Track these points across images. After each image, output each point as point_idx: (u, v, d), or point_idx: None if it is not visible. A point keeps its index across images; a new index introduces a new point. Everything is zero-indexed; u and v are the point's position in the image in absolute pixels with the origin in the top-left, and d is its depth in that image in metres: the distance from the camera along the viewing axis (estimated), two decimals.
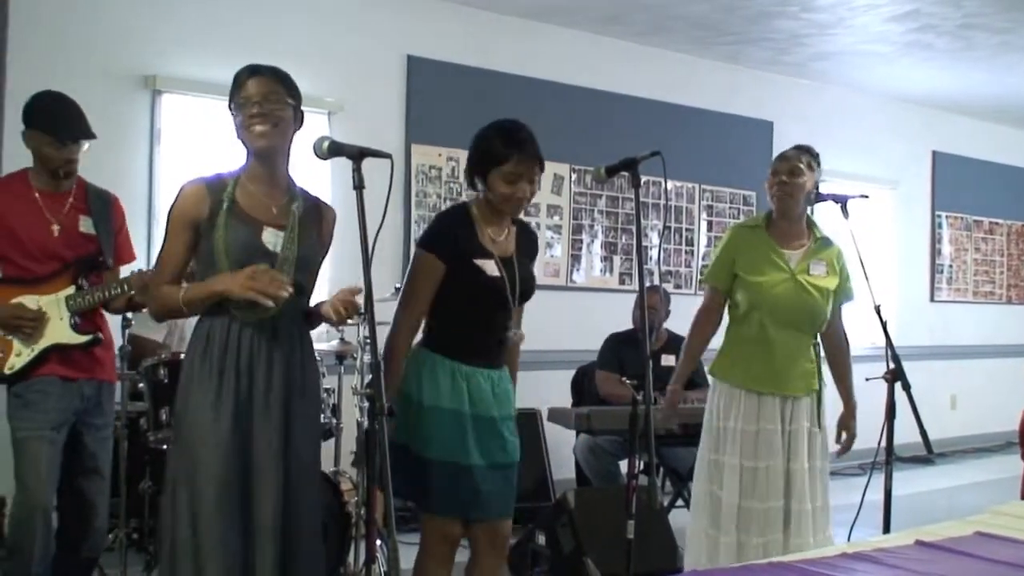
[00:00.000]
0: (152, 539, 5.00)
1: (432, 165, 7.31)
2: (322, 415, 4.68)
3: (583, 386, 6.88)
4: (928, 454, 4.61)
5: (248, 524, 3.11)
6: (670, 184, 8.67)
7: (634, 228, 6.19)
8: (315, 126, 6.34)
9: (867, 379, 4.30)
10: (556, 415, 6.37)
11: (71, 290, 4.03)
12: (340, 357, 5.45)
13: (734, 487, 4.33)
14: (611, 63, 8.29)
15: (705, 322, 4.62)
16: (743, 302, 4.46)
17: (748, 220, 4.90)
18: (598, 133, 7.96)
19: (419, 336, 3.73)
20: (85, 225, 4.10)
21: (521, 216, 3.87)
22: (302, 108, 3.33)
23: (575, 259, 8.11)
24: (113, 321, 4.47)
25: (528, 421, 6.41)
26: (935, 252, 11.00)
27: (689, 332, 4.69)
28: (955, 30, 7.89)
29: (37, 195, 4.03)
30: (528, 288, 3.73)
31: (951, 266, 11.16)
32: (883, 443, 4.16)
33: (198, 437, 3.12)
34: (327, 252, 3.47)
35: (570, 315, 7.81)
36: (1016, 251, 11.83)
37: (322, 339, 5.54)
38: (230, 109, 3.21)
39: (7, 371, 3.94)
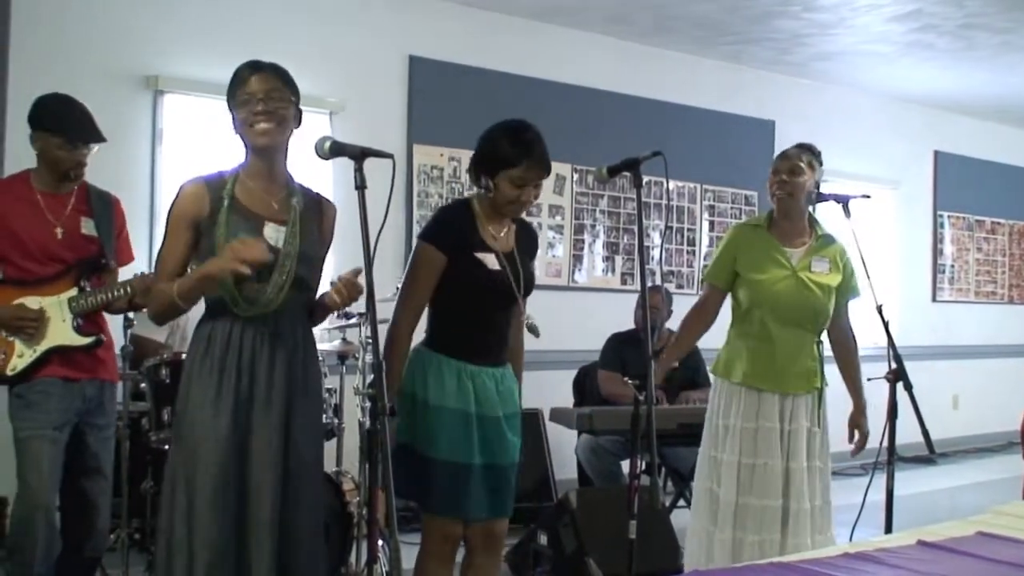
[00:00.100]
0: (154, 539, 5.00)
1: (434, 165, 7.31)
2: (324, 415, 4.69)
3: (585, 386, 6.88)
4: (930, 454, 4.59)
5: (246, 520, 3.11)
6: (672, 184, 8.67)
7: (636, 228, 6.19)
8: (317, 126, 6.36)
9: (869, 379, 4.30)
10: (558, 415, 6.38)
11: (73, 292, 4.03)
12: (342, 357, 5.45)
13: (732, 484, 4.33)
14: (613, 63, 8.29)
15: (697, 319, 4.62)
16: (744, 300, 4.46)
17: (750, 219, 4.90)
18: (600, 133, 7.96)
19: (418, 337, 3.73)
20: (87, 227, 4.10)
21: (522, 215, 3.87)
22: (304, 107, 3.33)
23: (577, 259, 8.11)
24: (114, 321, 4.47)
25: (530, 421, 6.40)
26: (937, 252, 11.00)
27: (680, 324, 4.71)
28: (956, 30, 7.88)
29: (39, 197, 4.03)
30: (528, 284, 3.74)
31: (953, 266, 11.15)
32: (885, 443, 4.15)
33: (198, 435, 3.12)
34: (329, 247, 3.47)
35: (572, 315, 7.81)
36: (1018, 251, 11.83)
37: (324, 339, 5.54)
38: (229, 105, 3.21)
39: (9, 372, 3.94)
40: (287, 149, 3.30)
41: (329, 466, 4.98)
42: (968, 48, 8.39)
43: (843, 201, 4.37)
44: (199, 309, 3.29)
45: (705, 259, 8.76)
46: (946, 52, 8.53)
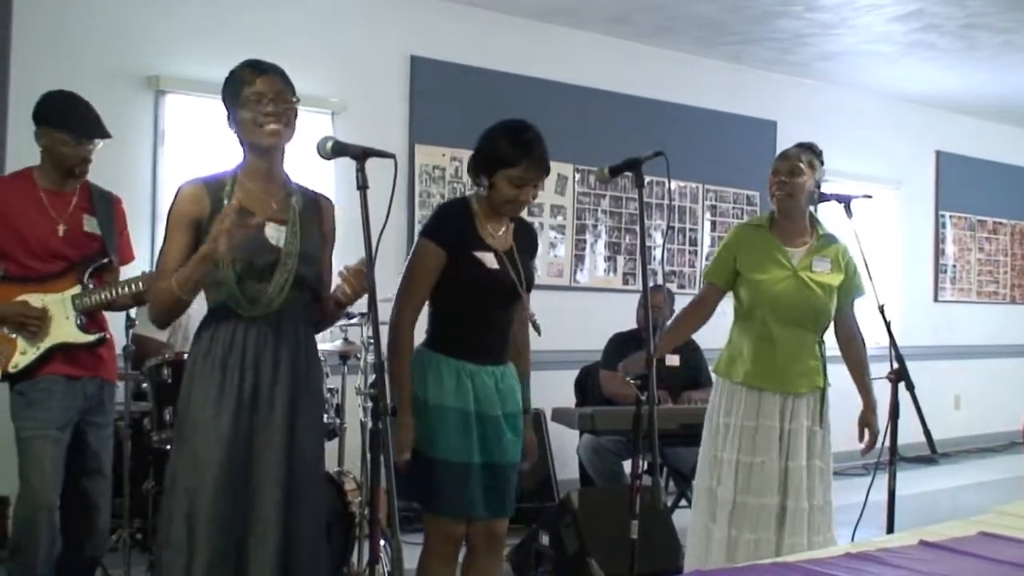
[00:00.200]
0: (155, 539, 5.00)
1: (436, 165, 7.31)
2: (326, 415, 4.69)
3: (587, 386, 6.89)
4: (932, 454, 4.60)
5: (248, 519, 3.11)
6: (673, 184, 8.67)
7: (638, 228, 6.19)
8: (319, 126, 6.36)
9: (871, 378, 4.29)
10: (560, 415, 6.38)
11: (76, 289, 4.03)
12: (344, 357, 5.45)
13: (731, 483, 4.33)
14: (614, 63, 8.29)
15: (692, 314, 4.62)
16: (746, 299, 4.46)
17: (751, 219, 4.90)
18: (601, 133, 7.96)
19: (418, 338, 3.73)
20: (89, 225, 4.11)
21: (523, 215, 3.88)
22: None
23: (579, 259, 8.12)
24: (116, 321, 4.47)
25: (532, 421, 6.40)
26: (939, 252, 11.00)
27: (675, 317, 4.71)
28: (958, 30, 7.88)
29: (42, 194, 4.04)
30: (528, 283, 3.74)
31: (955, 266, 11.15)
32: (887, 443, 4.15)
33: (199, 434, 3.12)
34: (333, 245, 3.46)
35: (574, 315, 7.81)
36: (1020, 251, 11.82)
37: (326, 339, 5.53)
38: (228, 104, 3.20)
39: (11, 369, 3.94)
40: (284, 149, 3.31)
41: (331, 466, 4.99)
42: (970, 48, 8.39)
43: (845, 201, 4.37)
44: (201, 309, 3.29)
45: (707, 259, 8.76)
46: (948, 52, 8.53)
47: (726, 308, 4.61)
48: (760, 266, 4.43)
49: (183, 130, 6.26)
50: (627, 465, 5.88)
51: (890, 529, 4.07)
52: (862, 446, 4.45)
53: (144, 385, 4.94)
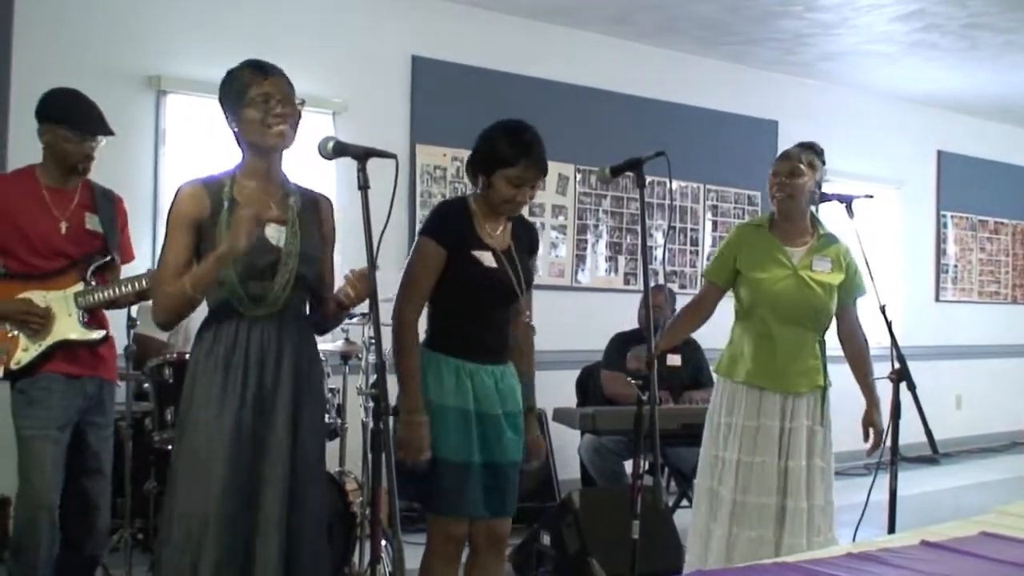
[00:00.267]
0: (157, 539, 5.00)
1: (437, 165, 7.31)
2: (327, 415, 4.69)
3: (588, 386, 6.88)
4: (933, 454, 4.60)
5: (253, 519, 3.11)
6: (675, 184, 8.66)
7: (639, 228, 6.20)
8: (320, 126, 6.36)
9: (874, 378, 4.29)
10: (561, 415, 6.37)
11: (79, 287, 4.03)
12: (345, 357, 5.45)
13: (731, 482, 4.34)
14: (616, 63, 8.29)
15: (692, 313, 4.63)
16: (746, 299, 4.47)
17: (752, 219, 4.91)
18: (603, 133, 7.96)
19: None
20: (91, 223, 4.11)
21: (525, 216, 3.88)
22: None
23: (580, 259, 8.12)
24: (117, 321, 4.47)
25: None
26: (940, 252, 11.00)
27: (674, 316, 4.70)
28: (960, 30, 7.88)
29: (44, 192, 4.03)
30: (527, 281, 3.73)
31: (956, 266, 11.15)
32: (888, 443, 4.15)
33: (203, 434, 3.11)
34: (334, 244, 3.46)
35: (575, 315, 7.82)
36: (1021, 251, 11.82)
37: (327, 339, 5.53)
38: (231, 102, 3.18)
39: (13, 366, 3.94)
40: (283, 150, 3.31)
41: (332, 466, 4.99)
42: (971, 48, 8.38)
43: (846, 201, 4.37)
44: (202, 309, 3.29)
45: (708, 259, 8.76)
46: (949, 52, 8.53)
47: (727, 309, 4.61)
48: (760, 265, 4.43)
49: (184, 130, 6.26)
50: (628, 465, 5.87)
51: (891, 529, 4.08)
52: (867, 446, 4.45)
53: (145, 385, 4.94)
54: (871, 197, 4.64)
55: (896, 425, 4.13)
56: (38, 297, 3.97)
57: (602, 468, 6.32)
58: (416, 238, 3.68)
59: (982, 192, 11.27)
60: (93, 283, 4.06)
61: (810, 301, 4.39)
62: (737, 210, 9.11)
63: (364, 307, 3.44)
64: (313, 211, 3.35)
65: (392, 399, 3.08)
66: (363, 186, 3.04)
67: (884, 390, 4.19)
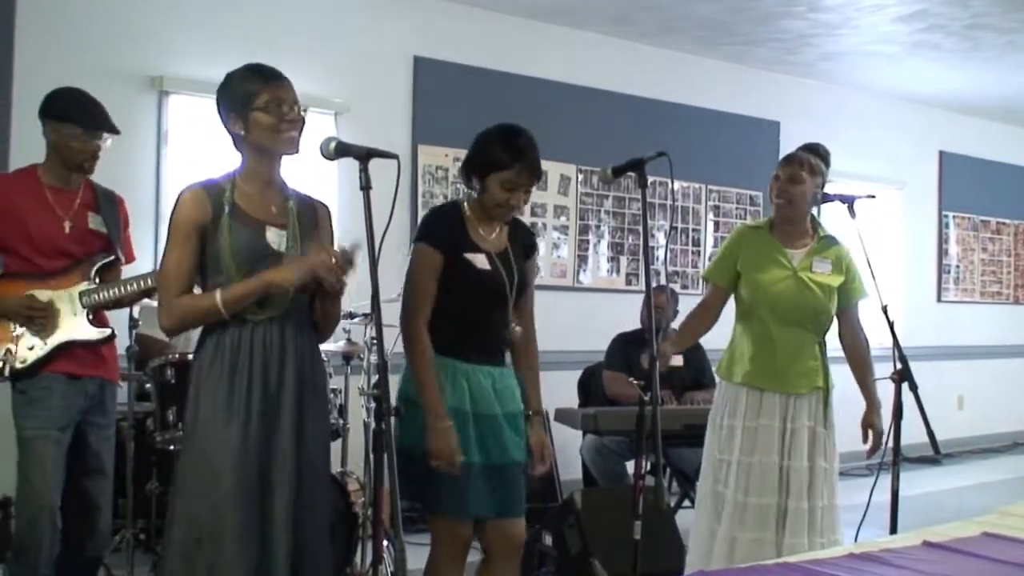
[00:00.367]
0: (159, 539, 5.00)
1: (439, 166, 7.31)
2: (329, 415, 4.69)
3: (590, 386, 6.88)
4: (935, 454, 4.60)
5: (263, 522, 3.09)
6: (676, 184, 8.66)
7: (640, 228, 6.20)
8: (322, 127, 6.36)
9: (874, 379, 4.29)
10: (563, 415, 6.37)
11: (83, 286, 4.03)
12: (347, 357, 5.45)
13: (734, 483, 4.34)
14: (618, 63, 8.30)
15: (700, 316, 4.63)
16: (746, 299, 4.48)
17: (753, 221, 4.91)
18: (604, 133, 7.96)
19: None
20: (95, 222, 4.11)
21: (526, 216, 3.87)
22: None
23: (582, 259, 8.11)
24: (119, 321, 4.47)
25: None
26: (942, 252, 10.99)
27: (683, 321, 4.70)
28: (962, 30, 7.88)
29: (47, 192, 4.03)
30: (523, 284, 3.73)
31: (958, 266, 11.14)
32: (890, 443, 4.15)
33: (210, 441, 3.09)
34: (332, 246, 3.45)
35: (577, 315, 7.82)
36: (1023, 251, 11.81)
37: (329, 339, 5.53)
38: (237, 106, 3.16)
39: (19, 365, 3.93)
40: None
41: (334, 466, 4.98)
42: (974, 48, 8.38)
43: (848, 201, 4.37)
44: None
45: (710, 259, 8.75)
46: (952, 52, 8.53)
47: (729, 311, 4.61)
48: (760, 266, 4.43)
49: (186, 130, 6.27)
50: (630, 465, 5.87)
51: (893, 529, 4.08)
52: (867, 447, 4.44)
53: (147, 385, 4.94)
54: (873, 197, 4.63)
55: (898, 425, 4.13)
56: (42, 296, 3.96)
57: (604, 468, 6.33)
58: (412, 247, 3.68)
59: (984, 192, 11.27)
60: (96, 282, 4.06)
61: (809, 303, 4.39)
62: (739, 210, 9.11)
63: (366, 307, 3.45)
64: (311, 216, 3.34)
65: (393, 399, 3.08)
66: (365, 186, 3.04)
67: (886, 390, 4.19)
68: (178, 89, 6.23)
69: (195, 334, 3.32)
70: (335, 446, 4.85)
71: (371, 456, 4.79)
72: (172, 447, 4.68)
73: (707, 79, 8.86)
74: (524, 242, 3.83)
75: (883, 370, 4.20)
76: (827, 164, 4.48)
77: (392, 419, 2.95)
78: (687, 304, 6.73)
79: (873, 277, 4.31)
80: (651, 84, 8.45)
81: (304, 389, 3.21)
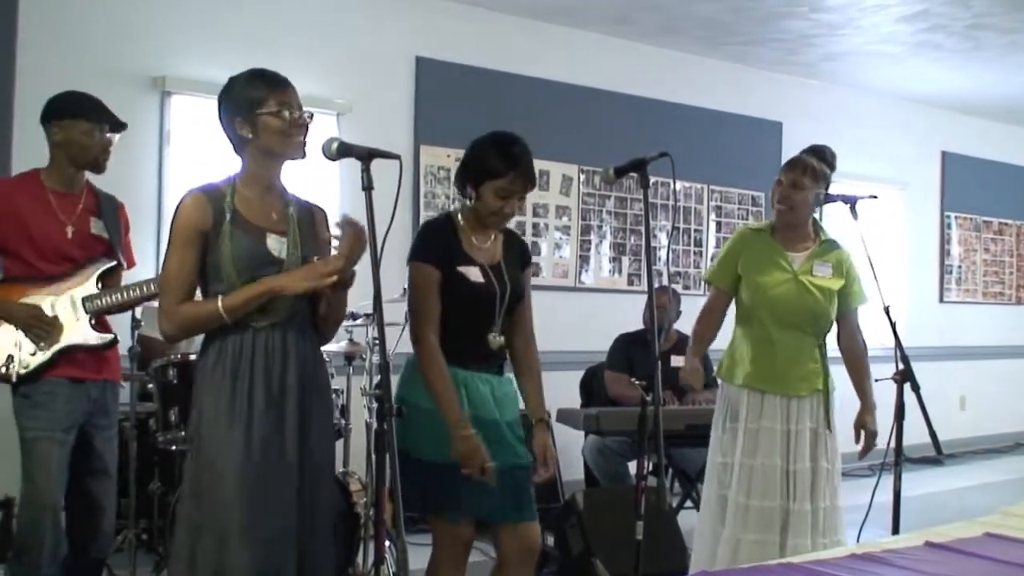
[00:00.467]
0: (162, 539, 5.01)
1: (441, 166, 7.31)
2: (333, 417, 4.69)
3: (592, 387, 6.88)
4: (937, 455, 4.60)
5: (272, 526, 3.08)
6: (679, 185, 8.66)
7: (643, 229, 6.19)
8: (324, 127, 6.36)
9: (876, 380, 4.30)
10: (565, 416, 6.37)
11: (86, 291, 4.03)
12: (349, 358, 5.45)
13: (735, 485, 4.34)
14: (620, 64, 8.30)
15: (708, 321, 4.62)
16: (746, 302, 4.48)
17: (754, 224, 4.91)
18: (607, 134, 7.96)
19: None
20: (96, 227, 4.11)
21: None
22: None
23: (584, 260, 8.11)
24: (121, 322, 4.47)
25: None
26: (944, 253, 10.99)
27: (692, 331, 4.70)
28: (964, 30, 7.88)
29: (50, 196, 4.03)
30: (517, 295, 3.72)
31: (960, 267, 11.14)
32: (892, 444, 4.15)
33: (216, 448, 3.08)
34: (330, 252, 3.44)
35: (578, 316, 7.82)
36: None
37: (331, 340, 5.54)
38: (243, 109, 3.14)
39: (21, 371, 3.92)
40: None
41: (336, 467, 4.99)
42: (976, 48, 8.38)
43: (850, 202, 4.36)
44: None
45: (712, 260, 8.76)
46: (954, 52, 8.53)
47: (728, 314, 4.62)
48: (761, 269, 4.43)
49: (189, 131, 6.27)
50: (632, 466, 5.88)
51: (895, 530, 4.08)
52: (859, 447, 4.44)
53: (150, 386, 4.94)
54: (875, 198, 4.63)
55: (900, 426, 4.13)
56: (45, 302, 3.96)
57: (606, 469, 6.33)
58: (408, 268, 3.65)
59: (986, 193, 11.26)
60: (99, 288, 4.06)
61: (809, 306, 4.40)
62: (741, 211, 9.11)
63: (368, 308, 3.44)
64: (309, 221, 3.33)
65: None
66: (367, 187, 3.04)
67: (888, 391, 4.19)
68: (180, 89, 6.23)
69: (198, 336, 3.32)
70: (337, 446, 4.85)
71: (373, 456, 4.79)
72: (174, 447, 4.68)
73: (709, 79, 8.86)
74: (520, 253, 3.83)
75: (885, 371, 4.20)
76: (832, 167, 4.48)
77: (393, 419, 2.95)
78: (689, 304, 6.76)
79: (875, 278, 4.31)
80: (653, 84, 8.45)
81: (307, 392, 3.21)
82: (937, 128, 10.75)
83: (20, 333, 3.94)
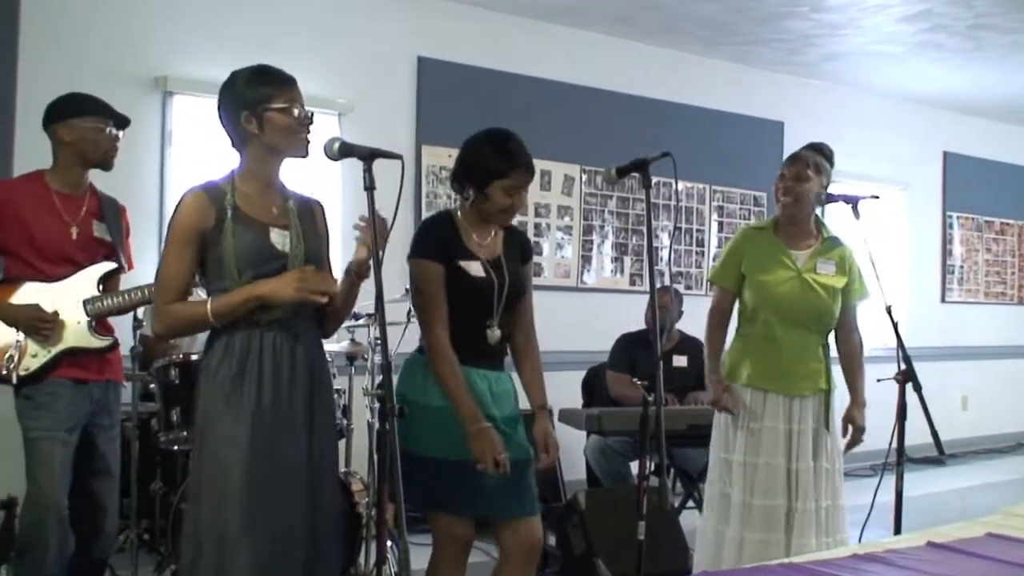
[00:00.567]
0: (163, 540, 5.01)
1: (442, 166, 7.31)
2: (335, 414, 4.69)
3: (594, 387, 6.88)
4: (939, 455, 4.60)
5: (279, 524, 3.08)
6: (680, 185, 8.66)
7: (645, 229, 6.19)
8: (326, 127, 6.36)
9: (878, 380, 4.29)
10: (567, 416, 6.37)
11: (88, 293, 4.03)
12: (351, 358, 5.45)
13: (740, 484, 4.34)
14: (621, 64, 8.30)
15: (717, 324, 4.62)
16: (750, 301, 4.48)
17: (757, 222, 4.91)
18: (608, 134, 7.96)
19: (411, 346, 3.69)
20: (99, 230, 4.11)
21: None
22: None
23: (585, 260, 8.11)
24: (123, 322, 4.47)
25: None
26: (946, 253, 10.99)
27: (705, 337, 4.69)
28: (966, 30, 7.88)
29: (55, 197, 4.03)
30: (518, 289, 3.72)
31: (962, 267, 11.13)
32: (894, 444, 4.15)
33: (223, 446, 3.08)
34: (329, 245, 3.45)
35: (580, 316, 7.82)
36: None
37: (333, 339, 5.54)
38: (251, 107, 3.13)
39: (22, 372, 3.92)
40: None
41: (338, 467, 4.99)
42: (977, 48, 8.38)
43: (852, 202, 4.36)
44: None
45: (714, 260, 8.76)
46: (955, 52, 8.53)
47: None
48: (765, 268, 4.43)
49: (191, 131, 6.27)
50: (634, 466, 5.88)
51: (897, 530, 4.07)
52: (845, 440, 4.44)
53: (152, 386, 4.94)
54: (877, 198, 4.63)
55: (902, 426, 4.13)
56: (46, 303, 3.96)
57: (608, 469, 6.32)
58: (409, 265, 3.65)
59: (988, 193, 11.26)
60: (100, 290, 4.06)
61: (814, 304, 4.40)
62: (743, 211, 9.11)
63: (370, 308, 3.45)
64: (309, 214, 3.33)
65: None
66: (369, 187, 3.04)
67: (890, 391, 4.19)
68: (182, 89, 6.23)
69: (201, 335, 3.31)
70: (339, 446, 4.86)
71: (375, 456, 4.79)
72: (176, 447, 4.68)
73: (710, 79, 8.86)
74: (521, 248, 3.83)
75: (887, 371, 4.20)
76: (831, 163, 4.49)
77: (395, 419, 2.95)
78: (691, 304, 6.77)
79: (877, 278, 4.31)
80: (654, 84, 8.45)
81: (313, 390, 3.21)
82: (939, 128, 10.75)
83: (21, 335, 3.94)
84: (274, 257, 3.15)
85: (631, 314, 6.88)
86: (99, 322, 4.07)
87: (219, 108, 3.20)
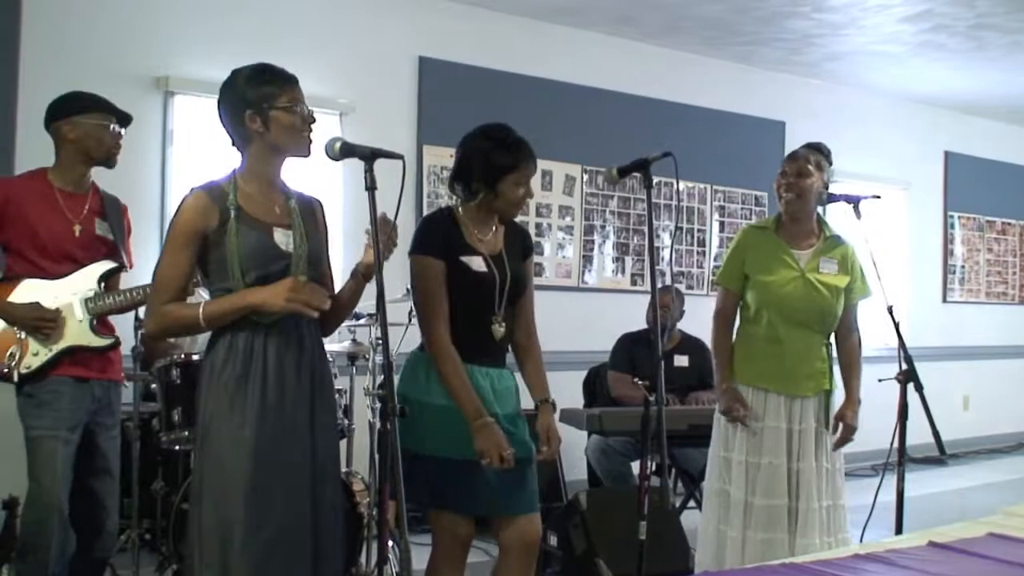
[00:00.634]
0: (165, 539, 5.01)
1: (444, 166, 7.30)
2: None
3: (595, 387, 6.88)
4: (941, 455, 4.59)
5: (283, 524, 3.08)
6: (682, 185, 8.67)
7: (646, 229, 6.19)
8: (327, 127, 6.36)
9: (880, 380, 4.29)
10: (568, 416, 6.36)
11: (89, 292, 4.03)
12: (352, 358, 5.45)
13: (741, 483, 4.34)
14: (623, 64, 8.30)
15: (723, 325, 4.61)
16: (753, 301, 4.47)
17: (758, 222, 4.90)
18: (610, 134, 7.97)
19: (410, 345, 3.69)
20: (101, 228, 4.11)
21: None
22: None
23: (587, 260, 8.11)
24: (124, 322, 4.47)
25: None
26: (947, 253, 10.98)
27: (712, 343, 4.68)
28: (967, 30, 7.88)
29: (58, 195, 4.03)
30: (520, 285, 3.72)
31: (963, 267, 11.13)
32: (895, 444, 4.15)
33: (226, 447, 3.08)
34: (328, 244, 3.45)
35: (582, 316, 7.82)
36: None
37: (334, 339, 5.54)
38: (255, 106, 3.12)
39: (23, 370, 3.92)
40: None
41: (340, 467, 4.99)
42: (979, 48, 8.38)
43: (853, 202, 4.36)
44: None
45: (715, 260, 8.77)
46: (957, 52, 8.52)
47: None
48: (767, 268, 4.43)
49: (192, 131, 6.27)
50: (635, 466, 5.88)
51: (899, 530, 4.07)
52: (835, 438, 4.44)
53: (153, 386, 4.94)
54: (878, 198, 4.63)
55: (903, 426, 4.13)
56: (48, 301, 3.96)
57: (609, 469, 6.33)
58: (410, 261, 3.64)
59: (989, 193, 11.26)
60: (101, 289, 4.06)
61: (817, 303, 4.40)
62: (744, 211, 9.11)
63: (371, 308, 3.44)
64: (310, 213, 3.33)
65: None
66: (370, 187, 3.04)
67: (892, 391, 4.18)
68: (183, 89, 6.24)
69: (203, 335, 3.31)
70: (340, 446, 4.86)
71: (376, 456, 4.79)
72: (177, 447, 4.68)
73: (712, 79, 8.86)
74: (522, 244, 3.83)
75: (889, 371, 4.19)
76: (830, 162, 4.49)
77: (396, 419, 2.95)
78: (692, 304, 6.77)
79: (878, 277, 4.31)
80: (656, 84, 8.45)
81: (315, 390, 3.21)
82: (940, 128, 10.75)
83: (22, 333, 3.94)
84: (278, 257, 3.15)
85: (632, 314, 6.88)
86: (100, 321, 4.07)
87: (220, 107, 3.19)
